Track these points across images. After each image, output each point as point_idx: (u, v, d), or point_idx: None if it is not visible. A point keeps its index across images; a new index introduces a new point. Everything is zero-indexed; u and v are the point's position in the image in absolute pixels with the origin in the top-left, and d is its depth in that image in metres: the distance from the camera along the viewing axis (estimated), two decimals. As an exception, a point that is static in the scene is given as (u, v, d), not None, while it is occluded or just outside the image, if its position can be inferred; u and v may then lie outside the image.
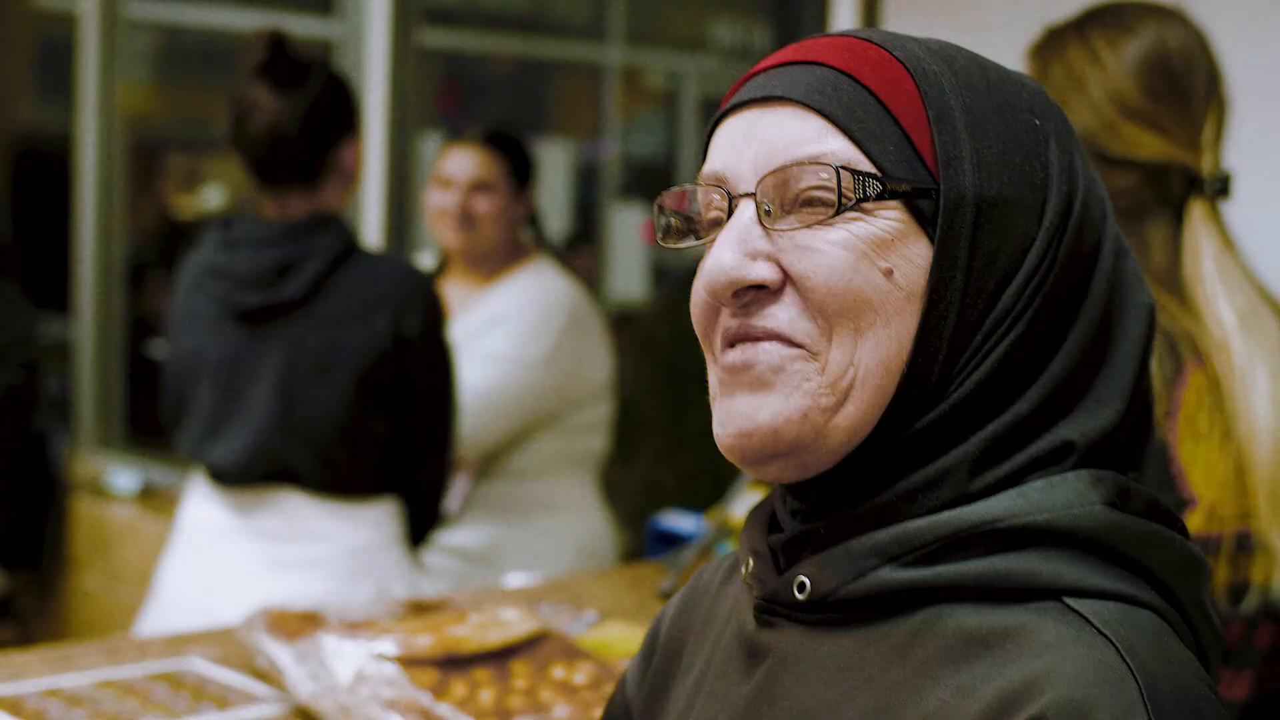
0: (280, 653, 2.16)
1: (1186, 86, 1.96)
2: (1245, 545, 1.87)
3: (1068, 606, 0.99)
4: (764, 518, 1.16)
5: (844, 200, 1.03)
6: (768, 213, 1.06)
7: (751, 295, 1.06)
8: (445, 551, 3.56)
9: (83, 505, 5.31)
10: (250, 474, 2.92)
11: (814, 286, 1.04)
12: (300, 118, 2.90)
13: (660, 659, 1.28)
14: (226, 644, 2.41)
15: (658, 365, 4.67)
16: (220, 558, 2.97)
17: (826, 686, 1.05)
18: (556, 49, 8.84)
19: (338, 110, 2.97)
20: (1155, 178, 1.95)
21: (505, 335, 3.62)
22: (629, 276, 7.97)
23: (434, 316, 2.96)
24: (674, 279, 6.47)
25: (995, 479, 1.03)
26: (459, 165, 3.73)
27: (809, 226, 1.04)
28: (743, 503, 2.90)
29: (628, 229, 8.05)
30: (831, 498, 1.08)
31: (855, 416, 1.04)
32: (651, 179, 8.43)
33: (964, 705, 0.97)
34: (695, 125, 8.34)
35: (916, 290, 1.04)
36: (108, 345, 5.69)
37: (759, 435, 1.05)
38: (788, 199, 1.05)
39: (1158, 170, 1.95)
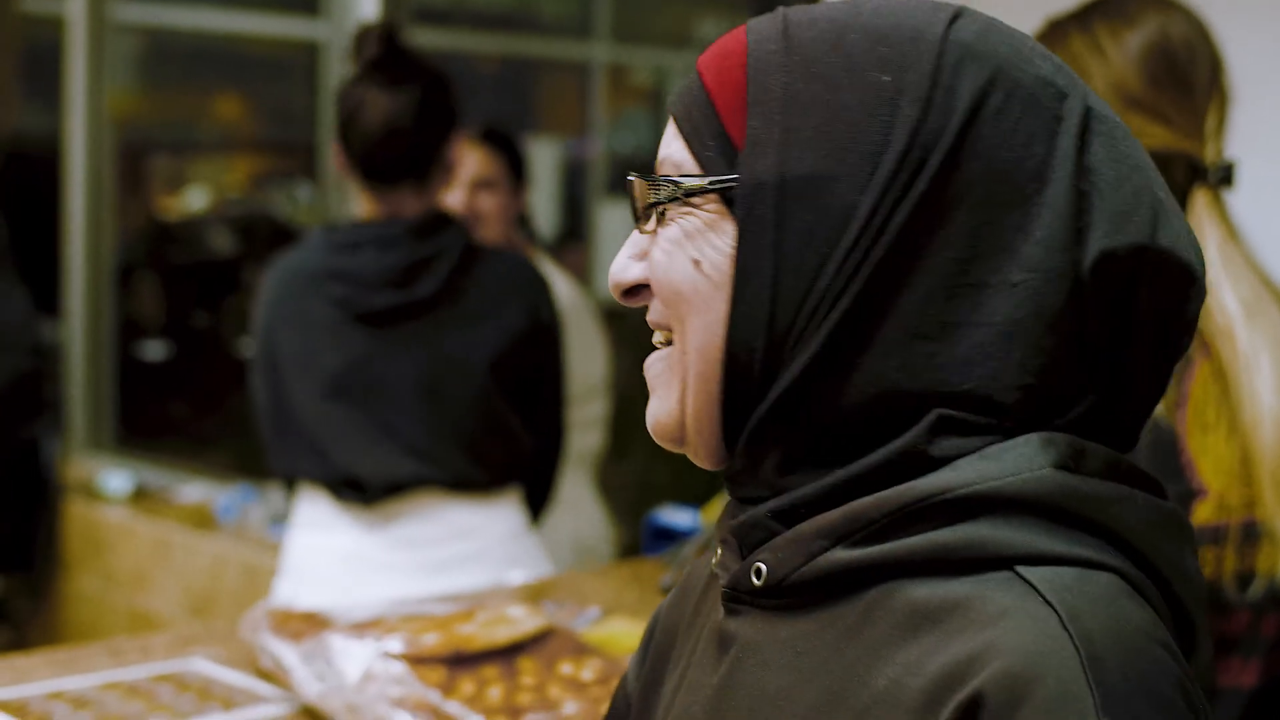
0: (286, 652, 2.15)
1: (1189, 76, 1.96)
2: (1252, 534, 1.87)
3: (1018, 575, 0.97)
4: (734, 507, 1.16)
5: (637, 206, 1.10)
6: (638, 217, 1.12)
7: (644, 292, 1.12)
8: None
9: (75, 508, 5.30)
10: (401, 483, 2.87)
11: (651, 281, 1.10)
12: (414, 114, 2.88)
13: (654, 653, 1.29)
14: (229, 644, 2.40)
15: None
16: (367, 582, 2.88)
17: (785, 671, 1.04)
18: (542, 47, 8.83)
19: (446, 105, 2.95)
20: (1159, 167, 1.95)
21: None
22: (617, 273, 7.95)
23: (555, 304, 3.04)
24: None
25: (945, 454, 1.01)
26: (461, 163, 3.72)
27: (663, 226, 1.09)
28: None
29: (616, 225, 8.04)
30: (734, 490, 1.11)
31: (693, 405, 1.08)
32: (639, 176, 8.40)
33: (910, 682, 0.96)
34: (682, 122, 8.31)
35: (726, 278, 1.05)
36: (98, 347, 5.68)
37: (656, 432, 1.12)
38: (637, 203, 1.11)
39: (1161, 160, 1.94)
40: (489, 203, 3.69)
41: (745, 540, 1.10)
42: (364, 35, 2.92)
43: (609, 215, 8.07)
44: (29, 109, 6.92)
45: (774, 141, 1.04)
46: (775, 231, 1.03)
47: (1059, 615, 0.94)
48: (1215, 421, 1.86)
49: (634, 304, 1.13)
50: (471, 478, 2.91)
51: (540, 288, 3.01)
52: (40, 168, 5.95)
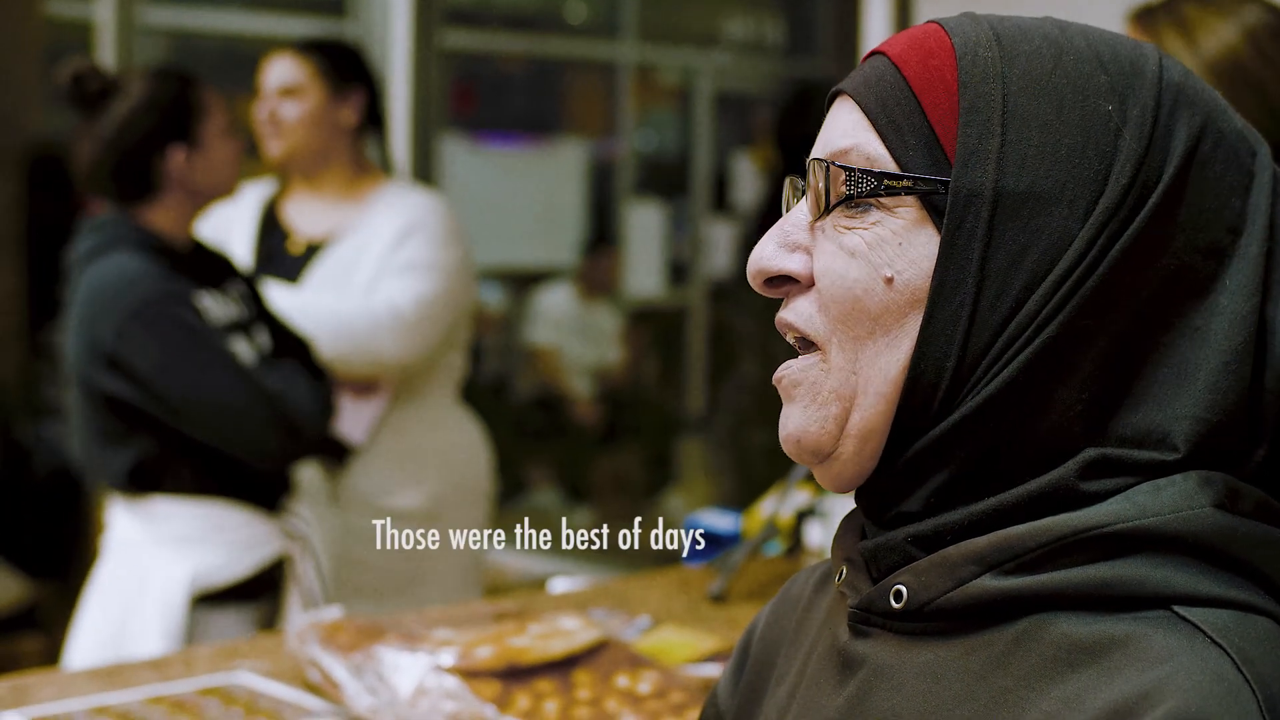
0: (336, 666, 2.12)
1: None
2: None
3: (1178, 615, 0.95)
4: (856, 525, 1.13)
5: (830, 197, 1.04)
6: (825, 208, 1.06)
7: (789, 286, 1.07)
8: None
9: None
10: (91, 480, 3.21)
11: (821, 289, 1.05)
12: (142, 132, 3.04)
13: (752, 670, 1.26)
14: (275, 657, 2.37)
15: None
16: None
17: (924, 697, 1.01)
18: (569, 47, 8.81)
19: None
20: None
21: (423, 243, 3.52)
22: (647, 274, 7.94)
23: (125, 325, 2.96)
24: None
25: (1100, 489, 0.99)
26: (266, 75, 3.64)
27: (836, 225, 1.04)
28: (791, 502, 2.86)
29: (645, 226, 8.02)
30: (876, 509, 1.07)
31: (861, 425, 1.04)
32: (667, 176, 8.40)
33: (1069, 717, 0.94)
34: (710, 121, 8.30)
35: (921, 295, 1.01)
36: (128, 352, 5.65)
37: (789, 444, 1.07)
38: (829, 194, 1.05)
39: None
40: (291, 110, 3.60)
41: (878, 562, 1.07)
42: (83, 77, 3.04)
43: (638, 216, 8.05)
44: (56, 113, 6.90)
45: (992, 153, 1.00)
46: (984, 247, 1.00)
47: (1231, 658, 0.92)
48: None
49: (771, 294, 1.08)
50: (115, 484, 3.13)
51: (103, 311, 2.93)
52: (65, 171, 5.94)
